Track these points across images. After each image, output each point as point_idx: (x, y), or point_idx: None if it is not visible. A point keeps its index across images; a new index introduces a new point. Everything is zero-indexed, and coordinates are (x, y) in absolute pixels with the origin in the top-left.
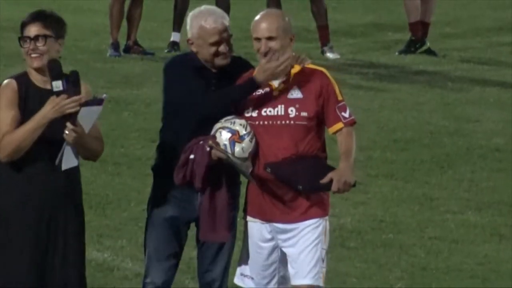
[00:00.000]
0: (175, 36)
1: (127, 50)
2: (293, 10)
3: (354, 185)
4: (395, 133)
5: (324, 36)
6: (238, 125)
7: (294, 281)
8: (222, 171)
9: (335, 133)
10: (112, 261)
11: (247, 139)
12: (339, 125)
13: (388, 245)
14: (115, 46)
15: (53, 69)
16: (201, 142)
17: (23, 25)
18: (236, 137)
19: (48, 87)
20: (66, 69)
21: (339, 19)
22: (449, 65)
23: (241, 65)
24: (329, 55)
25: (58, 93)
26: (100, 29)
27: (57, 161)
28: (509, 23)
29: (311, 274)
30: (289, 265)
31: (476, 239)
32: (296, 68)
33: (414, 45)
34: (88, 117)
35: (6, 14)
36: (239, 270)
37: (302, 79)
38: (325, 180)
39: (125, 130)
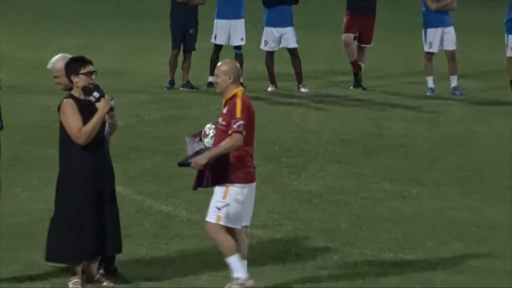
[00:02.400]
0: (211, 78)
1: (183, 86)
2: (281, 63)
3: (205, 164)
4: (342, 136)
5: (299, 78)
6: (208, 128)
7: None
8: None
9: (229, 134)
10: (174, 212)
11: (209, 136)
12: (230, 131)
13: (337, 202)
14: (170, 82)
15: (92, 89)
16: (193, 135)
17: (82, 64)
18: (204, 135)
19: (82, 97)
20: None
21: (309, 68)
22: (373, 96)
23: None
24: (302, 90)
25: (98, 98)
26: (167, 73)
27: (106, 132)
28: (411, 71)
29: (208, 214)
30: None
31: (389, 198)
32: (230, 96)
33: (356, 74)
34: None
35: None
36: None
37: (229, 102)
38: (190, 160)
39: (181, 134)
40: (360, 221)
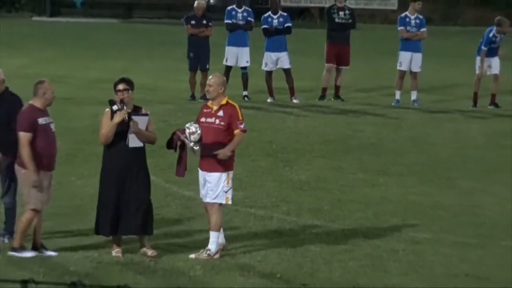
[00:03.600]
0: None
1: (201, 98)
2: (277, 80)
3: (230, 156)
4: (325, 137)
5: (292, 91)
6: (194, 126)
7: (204, 200)
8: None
9: (235, 134)
10: (195, 196)
11: (196, 133)
12: (237, 130)
13: (322, 189)
14: (192, 96)
15: (114, 103)
16: (179, 131)
17: (116, 84)
18: (190, 132)
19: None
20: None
21: (299, 84)
22: (350, 105)
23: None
24: (294, 101)
25: (117, 110)
26: (188, 88)
27: (127, 142)
28: (380, 86)
29: (212, 197)
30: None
31: (362, 186)
32: (224, 102)
33: (323, 96)
34: (141, 121)
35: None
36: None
37: (225, 107)
38: (216, 152)
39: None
40: (340, 203)
